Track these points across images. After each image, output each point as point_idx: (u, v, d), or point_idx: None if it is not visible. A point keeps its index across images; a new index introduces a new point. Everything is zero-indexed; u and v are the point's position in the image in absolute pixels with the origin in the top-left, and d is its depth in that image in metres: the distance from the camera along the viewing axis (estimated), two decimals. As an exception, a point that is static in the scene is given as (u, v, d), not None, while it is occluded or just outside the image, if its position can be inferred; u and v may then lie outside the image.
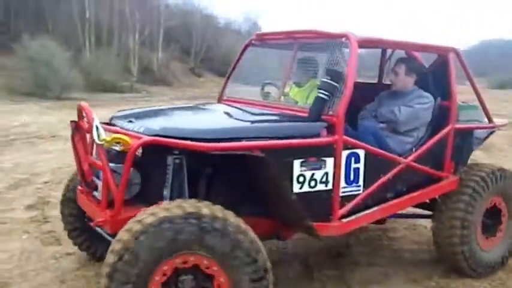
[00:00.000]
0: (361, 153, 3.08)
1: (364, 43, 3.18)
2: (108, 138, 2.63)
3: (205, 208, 2.37)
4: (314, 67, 4.27)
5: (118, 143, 2.65)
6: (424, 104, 3.50)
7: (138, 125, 2.83)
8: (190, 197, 2.72)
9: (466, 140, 3.71)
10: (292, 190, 2.83)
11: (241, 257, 2.36)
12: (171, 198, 2.71)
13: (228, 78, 3.95)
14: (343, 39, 3.08)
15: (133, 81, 24.64)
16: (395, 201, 3.32)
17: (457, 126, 3.57)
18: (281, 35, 3.65)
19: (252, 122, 2.92)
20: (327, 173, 2.94)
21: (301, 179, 2.87)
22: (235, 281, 2.37)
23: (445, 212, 3.54)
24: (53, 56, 18.54)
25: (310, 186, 2.91)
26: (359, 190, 3.12)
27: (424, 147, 3.43)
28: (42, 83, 18.22)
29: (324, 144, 2.91)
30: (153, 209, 2.38)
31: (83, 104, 2.90)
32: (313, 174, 2.90)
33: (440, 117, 3.55)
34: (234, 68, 3.94)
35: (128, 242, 2.23)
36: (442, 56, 3.64)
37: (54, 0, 23.82)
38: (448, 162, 3.57)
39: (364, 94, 3.77)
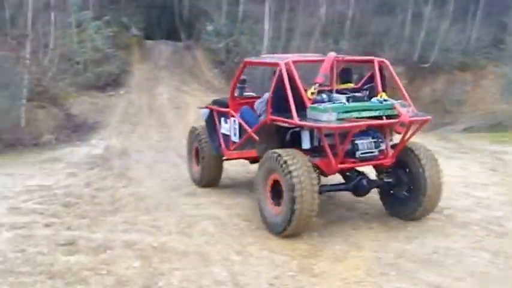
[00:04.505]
0: (236, 120, 6.10)
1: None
2: None
3: None
4: None
5: None
6: (260, 100, 5.60)
7: None
8: None
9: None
10: (221, 129, 6.61)
11: None
12: None
13: None
14: None
15: None
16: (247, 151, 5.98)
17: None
18: None
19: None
20: (230, 126, 6.36)
21: (224, 126, 6.53)
22: None
23: None
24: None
25: (226, 131, 6.48)
26: (237, 139, 6.15)
27: (255, 126, 5.63)
28: None
29: (226, 113, 6.35)
30: None
31: None
32: (225, 125, 6.45)
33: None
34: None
35: None
36: None
37: None
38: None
39: None
